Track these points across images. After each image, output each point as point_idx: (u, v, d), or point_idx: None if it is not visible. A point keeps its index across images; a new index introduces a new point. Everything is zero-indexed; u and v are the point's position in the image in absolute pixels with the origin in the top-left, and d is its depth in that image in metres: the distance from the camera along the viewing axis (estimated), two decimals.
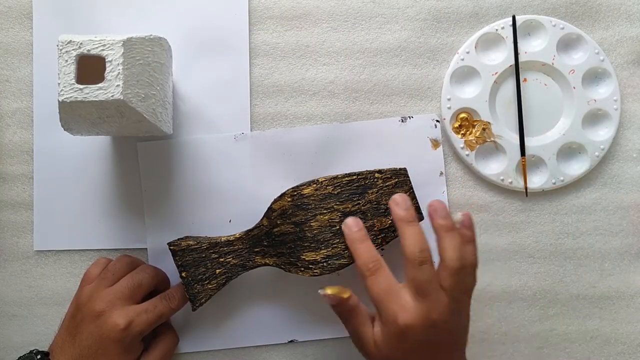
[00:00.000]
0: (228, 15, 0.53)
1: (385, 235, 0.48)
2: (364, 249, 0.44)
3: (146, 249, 0.52)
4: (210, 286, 0.48)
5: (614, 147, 0.54)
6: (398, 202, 0.44)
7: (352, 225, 0.45)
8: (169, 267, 0.50)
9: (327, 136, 0.53)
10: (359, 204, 0.47)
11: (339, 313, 0.45)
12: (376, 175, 0.48)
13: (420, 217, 0.49)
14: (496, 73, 0.53)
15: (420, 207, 0.49)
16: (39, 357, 0.45)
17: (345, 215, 0.47)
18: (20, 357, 0.45)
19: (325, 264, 0.47)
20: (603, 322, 0.53)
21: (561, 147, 0.53)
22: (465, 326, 0.44)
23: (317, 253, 0.47)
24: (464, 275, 0.42)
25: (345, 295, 0.44)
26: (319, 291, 0.44)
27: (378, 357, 0.43)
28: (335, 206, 0.47)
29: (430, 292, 0.41)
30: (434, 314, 0.40)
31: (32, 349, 0.46)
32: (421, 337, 0.41)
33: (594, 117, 0.54)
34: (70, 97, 0.41)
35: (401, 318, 0.40)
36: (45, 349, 0.46)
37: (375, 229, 0.47)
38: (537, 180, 0.53)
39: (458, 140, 0.53)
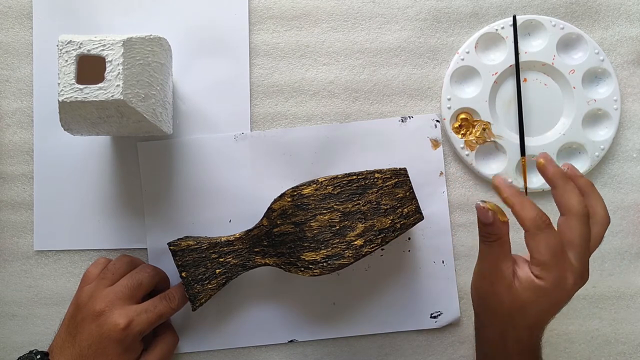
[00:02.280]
0: (228, 15, 0.53)
1: (385, 235, 0.47)
2: (530, 203, 0.40)
3: (146, 249, 0.52)
4: (210, 286, 0.48)
5: (614, 147, 0.54)
6: (548, 160, 0.41)
7: (504, 180, 0.41)
8: (169, 267, 0.50)
9: (327, 136, 0.53)
10: (358, 204, 0.47)
11: (486, 235, 0.40)
12: (376, 175, 0.48)
13: (420, 217, 0.49)
14: (496, 73, 0.53)
15: (420, 207, 0.49)
16: (38, 357, 0.45)
17: (345, 215, 0.47)
18: (20, 357, 0.45)
19: (325, 264, 0.47)
20: (603, 322, 0.53)
21: (561, 147, 0.53)
22: None
23: (317, 253, 0.47)
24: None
25: (504, 219, 0.40)
26: (478, 202, 0.40)
27: (508, 298, 0.40)
28: (335, 206, 0.47)
29: (585, 255, 0.40)
30: (585, 277, 0.40)
31: (31, 349, 0.46)
32: (567, 299, 0.40)
33: (594, 117, 0.54)
34: (70, 97, 0.41)
35: (570, 279, 0.39)
36: (45, 349, 0.46)
37: (375, 229, 0.47)
38: (537, 180, 0.53)
39: (458, 140, 0.53)
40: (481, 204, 0.40)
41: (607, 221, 0.42)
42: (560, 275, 0.39)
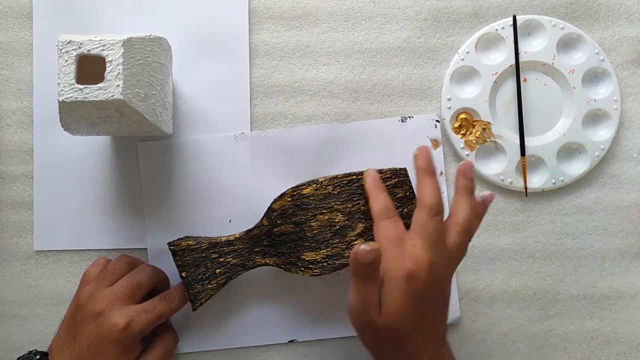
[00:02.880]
0: (228, 15, 0.53)
1: None
2: (385, 196, 0.44)
3: (146, 249, 0.52)
4: (210, 286, 0.48)
5: (614, 147, 0.54)
6: (421, 151, 0.44)
7: (374, 175, 0.45)
8: (169, 267, 0.50)
9: (327, 136, 0.53)
10: (359, 203, 0.47)
11: (363, 274, 0.40)
12: None
13: None
14: (496, 73, 0.53)
15: None
16: (38, 357, 0.45)
17: (346, 215, 0.47)
18: (19, 358, 0.45)
19: (325, 263, 0.47)
20: (603, 322, 0.53)
21: (561, 147, 0.53)
22: (449, 295, 0.43)
23: (317, 253, 0.47)
24: (467, 240, 0.42)
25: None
26: (361, 246, 0.39)
27: (379, 321, 0.40)
28: (335, 206, 0.47)
29: (437, 245, 0.41)
30: (437, 267, 0.40)
31: (31, 349, 0.46)
32: (423, 289, 0.40)
33: (594, 117, 0.54)
34: (70, 97, 0.41)
35: (407, 265, 0.40)
36: (45, 349, 0.46)
37: None
38: (537, 180, 0.53)
39: (458, 140, 0.53)
40: (365, 248, 0.39)
41: (465, 224, 0.42)
42: (395, 258, 0.40)
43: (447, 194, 0.53)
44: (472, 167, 0.44)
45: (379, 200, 0.44)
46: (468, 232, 0.42)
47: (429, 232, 0.41)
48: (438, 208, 0.41)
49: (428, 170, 0.43)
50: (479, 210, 0.43)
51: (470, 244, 0.52)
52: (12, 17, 0.53)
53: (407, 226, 0.48)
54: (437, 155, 0.53)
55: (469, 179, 0.43)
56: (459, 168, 0.44)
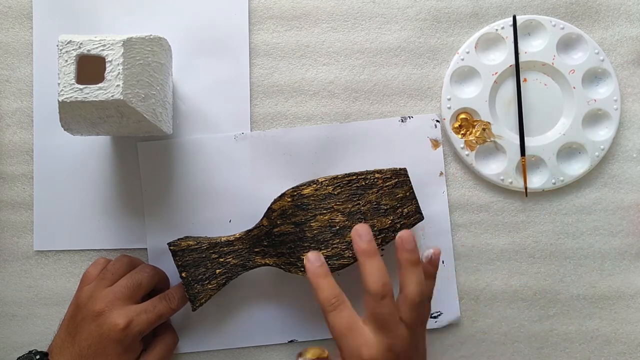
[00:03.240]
0: (228, 15, 0.53)
1: (385, 235, 0.48)
2: (326, 284, 0.42)
3: (146, 249, 0.52)
4: (210, 286, 0.48)
5: (614, 147, 0.54)
6: (360, 234, 0.42)
7: (315, 260, 0.43)
8: (169, 267, 0.50)
9: (327, 136, 0.53)
10: (358, 204, 0.47)
11: None
12: (376, 175, 0.48)
13: (420, 217, 0.49)
14: (496, 73, 0.53)
15: (420, 207, 0.49)
16: (38, 357, 0.45)
17: (345, 215, 0.47)
18: (19, 358, 0.45)
19: None
20: (603, 322, 0.53)
21: (561, 147, 0.53)
22: (423, 356, 0.43)
23: None
24: (423, 308, 0.42)
25: (325, 355, 0.44)
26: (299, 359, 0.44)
27: None
28: (335, 206, 0.47)
29: (391, 326, 0.40)
30: (397, 348, 0.40)
31: (31, 349, 0.46)
32: None
33: (594, 117, 0.54)
34: (70, 97, 0.41)
35: (365, 353, 0.40)
36: (45, 349, 0.46)
37: (375, 229, 0.47)
38: (537, 180, 0.53)
39: (458, 140, 0.53)
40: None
41: (415, 298, 0.41)
42: (351, 348, 0.40)
43: (446, 194, 0.53)
44: (412, 236, 0.41)
45: (321, 290, 0.42)
46: (420, 304, 0.41)
47: (379, 317, 0.40)
48: (384, 291, 0.40)
49: (368, 252, 0.42)
50: (429, 271, 0.42)
51: (470, 244, 0.53)
52: (12, 17, 0.53)
53: (407, 226, 0.48)
54: (437, 155, 0.53)
55: (409, 250, 0.41)
56: (397, 241, 0.42)
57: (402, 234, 0.42)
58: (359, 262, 0.42)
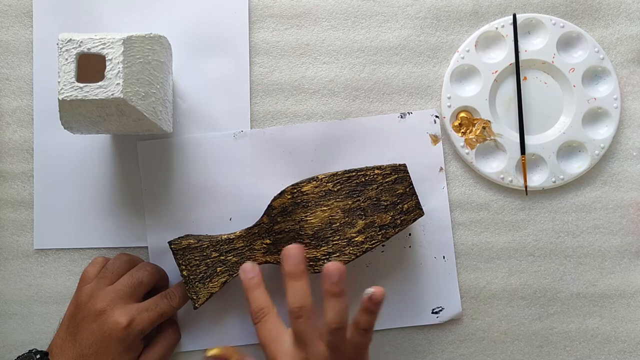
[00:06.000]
0: (228, 14, 0.53)
1: (385, 231, 0.48)
2: (255, 296, 0.46)
3: (147, 247, 0.52)
4: (211, 284, 0.48)
5: (614, 146, 0.54)
6: (290, 255, 0.45)
7: (248, 271, 0.47)
8: (170, 266, 0.50)
9: (327, 133, 0.53)
10: (358, 200, 0.47)
11: None
12: (376, 171, 0.48)
13: (420, 213, 0.49)
14: (496, 71, 0.53)
15: (421, 203, 0.49)
16: (38, 357, 0.45)
17: (346, 212, 0.47)
18: (19, 357, 0.45)
19: (325, 260, 0.47)
20: (603, 321, 0.53)
21: (561, 145, 0.53)
22: None
23: (317, 250, 0.47)
24: (341, 334, 0.42)
25: (235, 358, 0.45)
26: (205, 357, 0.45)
27: None
28: (335, 203, 0.47)
29: (308, 343, 0.42)
30: None
31: (31, 349, 0.46)
32: None
33: (594, 116, 0.54)
34: (71, 95, 0.41)
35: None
36: (45, 347, 0.46)
37: (376, 225, 0.47)
38: (537, 179, 0.53)
39: (458, 139, 0.53)
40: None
41: (331, 325, 0.42)
42: (271, 356, 0.44)
43: (446, 189, 0.53)
44: (337, 270, 0.42)
45: (251, 302, 0.46)
46: (337, 330, 0.42)
47: (296, 332, 0.43)
48: (300, 311, 0.43)
49: (294, 274, 0.44)
50: (368, 308, 0.42)
51: (470, 242, 0.53)
52: (12, 16, 0.53)
53: (406, 222, 0.48)
54: (437, 151, 0.53)
55: (332, 283, 0.42)
56: (323, 272, 0.42)
57: (329, 266, 0.42)
58: (285, 280, 0.44)
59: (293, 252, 0.45)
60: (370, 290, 0.43)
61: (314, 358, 0.42)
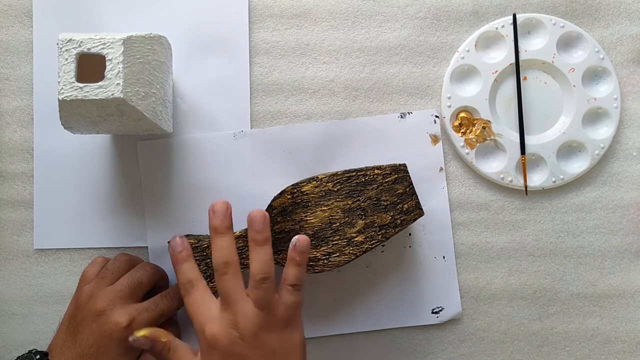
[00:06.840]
0: (228, 14, 0.53)
1: (385, 231, 0.48)
2: (184, 269, 0.44)
3: (147, 247, 0.52)
4: (211, 284, 0.48)
5: (614, 146, 0.54)
6: (215, 211, 0.44)
7: (177, 245, 0.45)
8: (170, 266, 0.49)
9: (327, 133, 0.53)
10: (358, 200, 0.47)
11: (157, 355, 0.44)
12: (376, 171, 0.48)
13: (420, 213, 0.49)
14: (496, 71, 0.53)
15: (421, 203, 0.49)
16: (38, 357, 0.45)
17: (345, 212, 0.47)
18: (19, 357, 0.45)
19: (325, 260, 0.47)
20: (603, 321, 0.53)
21: (561, 145, 0.53)
22: (294, 344, 0.43)
23: (317, 250, 0.47)
24: (268, 286, 0.41)
25: (164, 339, 0.43)
26: (130, 338, 0.43)
27: None
28: (335, 203, 0.47)
29: (234, 302, 0.41)
30: (240, 325, 0.41)
31: (31, 349, 0.46)
32: (230, 350, 0.41)
33: (594, 116, 0.54)
34: (71, 95, 0.41)
35: (207, 329, 0.41)
36: (45, 347, 0.46)
37: (376, 225, 0.47)
38: (537, 179, 0.53)
39: (458, 139, 0.53)
40: (131, 339, 0.43)
41: (256, 275, 0.42)
42: (197, 325, 0.42)
43: (446, 189, 0.53)
44: (261, 216, 0.42)
45: (179, 275, 0.45)
46: (262, 281, 0.41)
47: (222, 291, 0.42)
48: (224, 268, 0.42)
49: (219, 229, 0.43)
50: (294, 258, 0.42)
51: (470, 242, 0.53)
52: (12, 16, 0.53)
53: (406, 222, 0.48)
54: (437, 151, 0.53)
55: (256, 230, 0.42)
56: (247, 219, 0.43)
57: (253, 212, 0.42)
58: (210, 237, 0.43)
59: (218, 207, 0.44)
60: (295, 238, 0.42)
61: (242, 319, 0.41)
